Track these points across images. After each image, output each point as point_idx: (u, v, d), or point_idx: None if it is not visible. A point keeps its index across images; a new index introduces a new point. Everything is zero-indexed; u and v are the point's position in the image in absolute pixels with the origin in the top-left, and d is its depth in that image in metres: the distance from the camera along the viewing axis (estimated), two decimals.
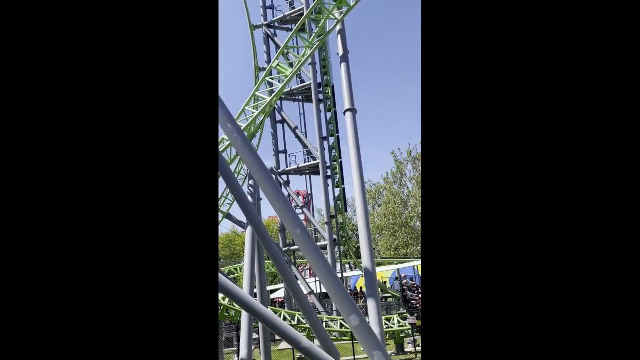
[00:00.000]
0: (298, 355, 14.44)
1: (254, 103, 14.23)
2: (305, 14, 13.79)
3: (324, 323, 15.44)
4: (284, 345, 17.59)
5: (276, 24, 21.88)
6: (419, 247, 35.22)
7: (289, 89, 20.52)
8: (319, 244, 17.84)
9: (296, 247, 20.47)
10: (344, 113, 11.49)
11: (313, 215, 23.33)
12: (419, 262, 28.86)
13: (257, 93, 14.19)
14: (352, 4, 10.77)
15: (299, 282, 14.90)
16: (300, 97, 22.11)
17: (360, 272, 27.64)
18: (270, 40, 21.64)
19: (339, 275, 19.63)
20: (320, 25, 11.70)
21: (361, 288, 28.14)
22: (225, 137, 11.38)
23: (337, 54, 10.86)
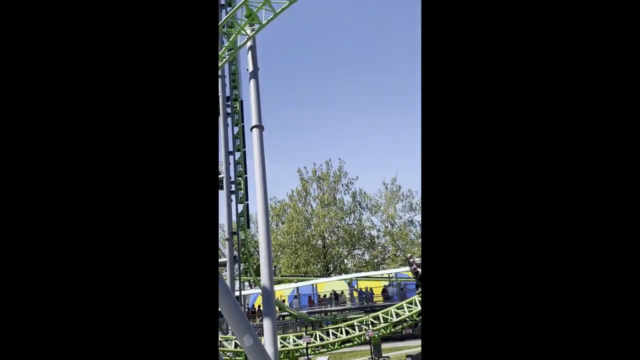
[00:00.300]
0: None
1: None
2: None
3: (218, 342, 14.94)
4: None
5: None
6: (319, 265, 35.70)
7: None
8: (219, 260, 17.34)
9: None
10: (251, 129, 11.41)
11: None
12: (318, 280, 29.24)
13: None
14: (264, 22, 10.84)
15: None
16: None
17: (260, 290, 27.32)
18: None
19: (237, 293, 19.19)
20: (230, 39, 11.60)
21: (259, 306, 27.79)
22: None
23: (247, 70, 10.81)
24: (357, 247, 36.72)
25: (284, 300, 27.86)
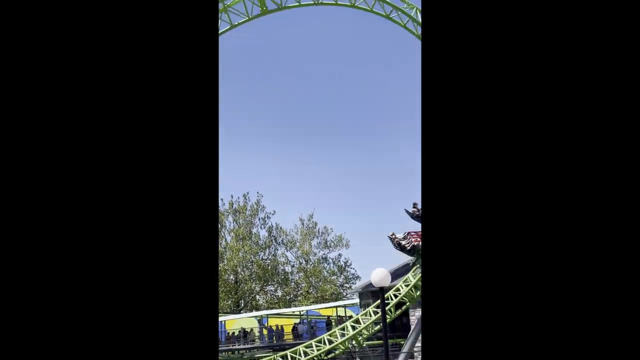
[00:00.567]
0: None
1: None
2: None
3: None
4: None
5: None
6: (230, 302, 34.51)
7: None
8: None
9: None
10: None
11: None
12: (227, 317, 28.18)
13: None
14: None
15: None
16: None
17: None
18: None
19: None
20: None
21: None
22: None
23: None
24: (270, 283, 36.12)
25: None
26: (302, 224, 38.05)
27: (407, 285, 17.90)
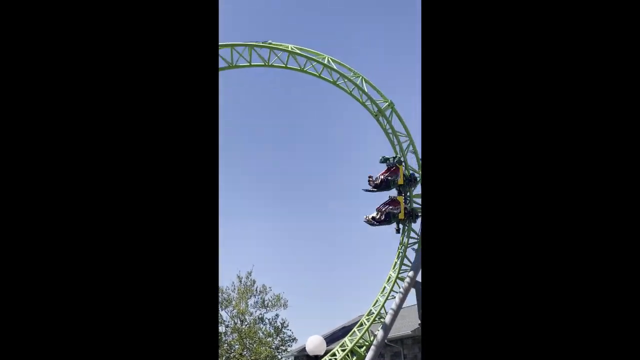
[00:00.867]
0: None
1: None
2: None
3: None
4: None
5: None
6: None
7: None
8: None
9: None
10: None
11: None
12: None
13: None
14: None
15: None
16: None
17: None
18: None
19: None
20: None
21: None
22: None
23: None
24: None
25: None
26: (240, 281, 36.88)
27: (343, 350, 17.51)
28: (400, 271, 18.24)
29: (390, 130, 18.16)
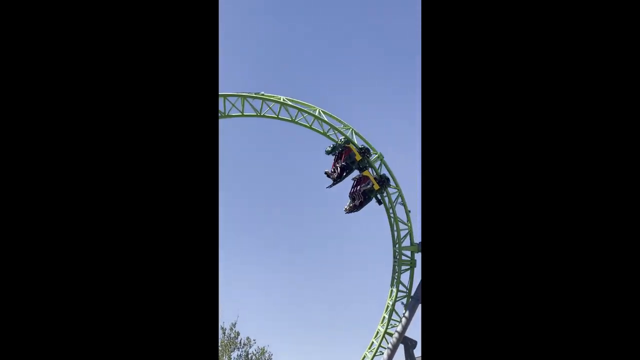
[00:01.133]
0: None
1: None
2: None
3: None
4: None
5: None
6: None
7: None
8: None
9: None
10: None
11: None
12: None
13: None
14: None
15: None
16: None
17: None
18: None
19: None
20: None
21: None
22: None
23: None
24: None
25: None
26: (224, 333, 35.72)
27: None
28: (389, 326, 17.80)
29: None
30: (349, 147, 17.31)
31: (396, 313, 18.00)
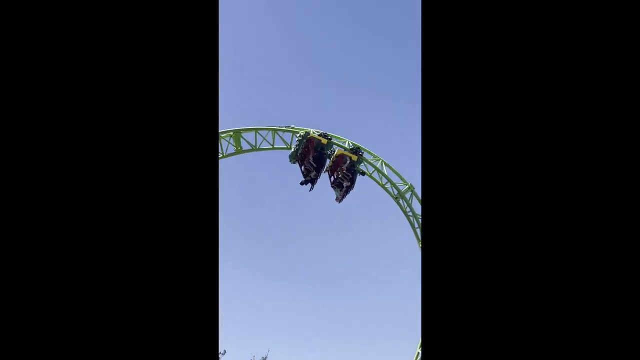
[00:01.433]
0: None
1: None
2: None
3: None
4: None
5: None
6: None
7: None
8: None
9: None
10: None
11: None
12: None
13: None
14: None
15: None
16: None
17: None
18: None
19: None
20: None
21: None
22: None
23: None
24: None
25: None
26: None
27: None
28: None
29: (410, 213, 18.15)
30: (310, 138, 16.16)
31: None
